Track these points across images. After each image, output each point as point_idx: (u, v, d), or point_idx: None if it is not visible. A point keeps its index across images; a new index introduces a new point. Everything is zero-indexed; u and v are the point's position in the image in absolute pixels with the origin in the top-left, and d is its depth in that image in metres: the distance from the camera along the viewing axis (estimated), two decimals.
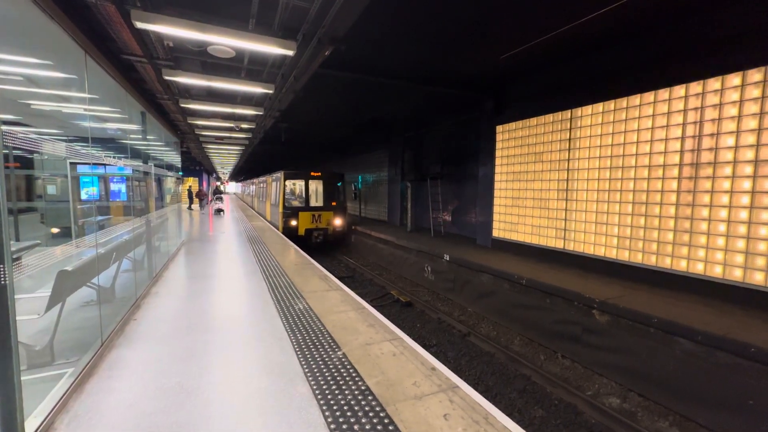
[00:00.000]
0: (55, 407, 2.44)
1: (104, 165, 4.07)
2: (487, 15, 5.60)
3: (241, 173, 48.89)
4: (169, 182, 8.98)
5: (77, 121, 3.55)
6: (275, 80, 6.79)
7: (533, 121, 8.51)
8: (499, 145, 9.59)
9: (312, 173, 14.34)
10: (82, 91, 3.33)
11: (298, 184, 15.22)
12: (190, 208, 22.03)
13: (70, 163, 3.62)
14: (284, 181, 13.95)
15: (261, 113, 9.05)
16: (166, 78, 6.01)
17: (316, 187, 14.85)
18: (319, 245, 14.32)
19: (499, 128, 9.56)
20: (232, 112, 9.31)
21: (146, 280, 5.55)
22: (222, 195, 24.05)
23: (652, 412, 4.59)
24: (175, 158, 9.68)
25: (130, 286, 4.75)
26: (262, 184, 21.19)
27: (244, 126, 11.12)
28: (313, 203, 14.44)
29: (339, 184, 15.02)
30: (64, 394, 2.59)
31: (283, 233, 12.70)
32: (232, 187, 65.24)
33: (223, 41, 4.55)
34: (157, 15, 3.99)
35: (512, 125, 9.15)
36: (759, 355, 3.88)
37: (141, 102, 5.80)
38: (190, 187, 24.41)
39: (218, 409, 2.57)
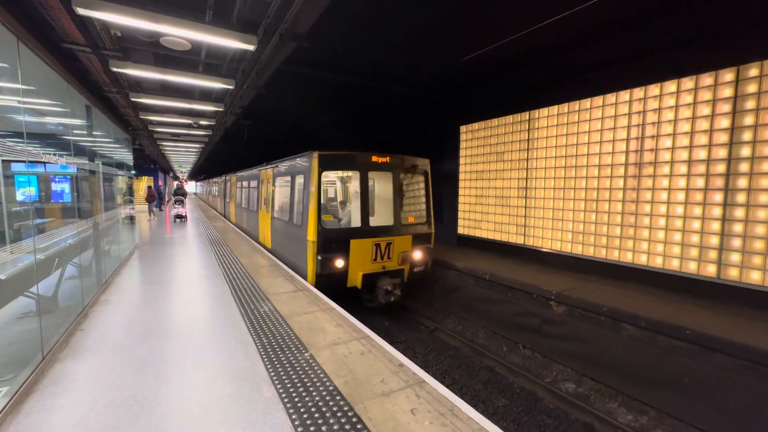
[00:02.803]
0: None
1: (43, 163, 3.72)
2: (448, 17, 5.73)
3: (201, 172, 46.64)
4: (120, 181, 8.39)
5: (10, 114, 3.22)
6: (236, 75, 6.54)
7: (495, 121, 8.83)
8: (462, 144, 9.87)
9: (374, 157, 6.95)
10: (15, 81, 3.02)
11: (347, 181, 8.69)
12: (151, 211, 17.60)
13: (2, 161, 3.28)
14: (318, 173, 6.48)
15: (221, 110, 8.68)
16: (114, 70, 5.60)
17: (382, 186, 7.90)
18: (391, 305, 7.18)
19: (462, 128, 9.82)
20: (189, 108, 8.85)
21: (94, 287, 5.16)
22: (183, 198, 17.75)
23: (603, 395, 4.94)
24: (126, 156, 9.05)
25: (75, 294, 4.39)
26: (248, 183, 12.46)
27: (203, 123, 10.61)
28: (375, 220, 7.43)
29: (424, 181, 7.86)
30: None
31: (316, 285, 6.27)
32: (192, 187, 62.11)
33: (178, 33, 4.31)
34: (101, 1, 3.71)
35: (475, 125, 9.44)
36: (692, 337, 4.29)
37: (85, 95, 5.36)
38: (150, 187, 19.21)
39: (177, 421, 2.45)
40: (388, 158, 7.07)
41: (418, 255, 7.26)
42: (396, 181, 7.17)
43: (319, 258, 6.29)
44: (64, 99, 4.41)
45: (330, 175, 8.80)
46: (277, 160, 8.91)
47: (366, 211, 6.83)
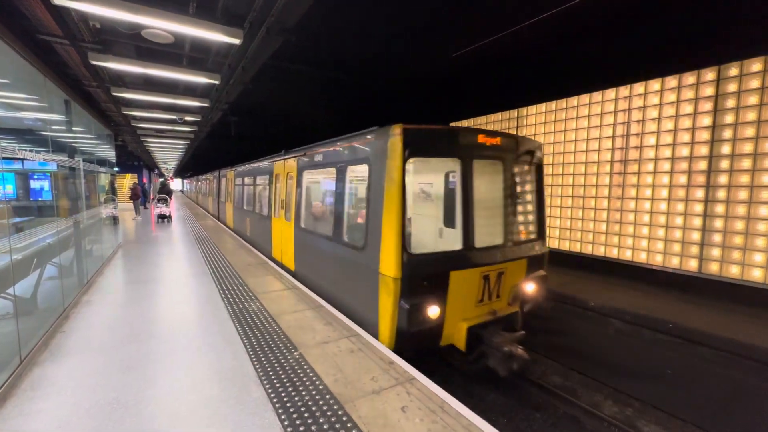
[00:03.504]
0: None
1: (21, 160, 3.58)
2: (439, 12, 5.71)
3: (187, 169, 45.79)
4: (102, 179, 8.15)
5: None
6: (221, 70, 6.40)
7: (484, 119, 8.87)
8: None
9: (481, 137, 4.14)
10: None
11: (444, 173, 5.65)
12: (137, 209, 16.93)
13: None
14: (402, 160, 3.65)
15: (207, 105, 8.51)
16: (94, 63, 5.43)
17: (488, 182, 4.43)
18: (513, 373, 4.15)
19: (452, 125, 9.84)
20: (173, 103, 8.65)
21: (76, 287, 5.01)
22: (167, 196, 16.44)
23: (590, 388, 5.02)
24: (108, 152, 8.80)
25: (55, 295, 4.25)
26: (252, 179, 9.94)
27: (189, 118, 10.39)
28: (483, 239, 4.15)
29: (537, 174, 4.96)
30: None
31: (396, 348, 3.67)
32: (177, 185, 60.95)
33: (160, 25, 4.19)
34: None
35: (463, 123, 9.46)
36: (675, 330, 4.40)
37: (64, 89, 5.17)
38: (135, 184, 18.12)
39: (163, 423, 2.39)
40: (498, 139, 4.33)
41: (531, 287, 4.58)
42: (507, 175, 4.46)
43: (407, 306, 3.60)
44: (41, 93, 4.25)
45: (421, 163, 5.33)
46: (306, 146, 6.10)
47: (470, 223, 4.06)
